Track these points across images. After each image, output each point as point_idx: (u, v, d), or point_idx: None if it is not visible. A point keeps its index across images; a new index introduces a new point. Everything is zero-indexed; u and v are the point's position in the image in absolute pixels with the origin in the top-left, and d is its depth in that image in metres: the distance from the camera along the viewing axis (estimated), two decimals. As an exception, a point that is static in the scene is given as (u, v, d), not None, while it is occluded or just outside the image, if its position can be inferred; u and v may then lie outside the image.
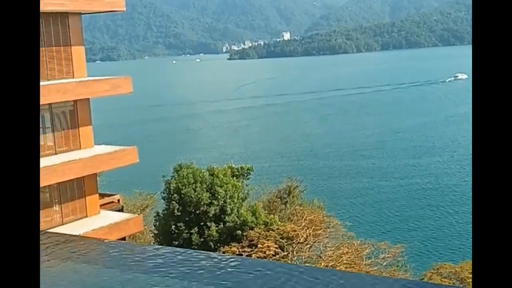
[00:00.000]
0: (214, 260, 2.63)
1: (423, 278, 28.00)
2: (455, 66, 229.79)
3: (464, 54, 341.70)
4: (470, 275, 24.34)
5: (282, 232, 30.81)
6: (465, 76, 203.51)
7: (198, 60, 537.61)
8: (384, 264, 29.88)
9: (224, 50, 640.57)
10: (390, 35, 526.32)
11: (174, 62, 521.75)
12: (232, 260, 2.68)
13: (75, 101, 28.71)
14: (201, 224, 33.39)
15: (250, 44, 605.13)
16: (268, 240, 29.89)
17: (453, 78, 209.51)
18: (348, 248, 30.75)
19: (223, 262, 2.59)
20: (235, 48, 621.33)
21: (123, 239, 28.43)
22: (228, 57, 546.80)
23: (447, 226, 60.03)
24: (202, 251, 2.75)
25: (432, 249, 53.45)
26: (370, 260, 30.08)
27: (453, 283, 26.20)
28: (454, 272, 28.54)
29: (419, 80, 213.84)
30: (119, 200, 34.04)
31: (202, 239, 32.99)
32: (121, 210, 33.01)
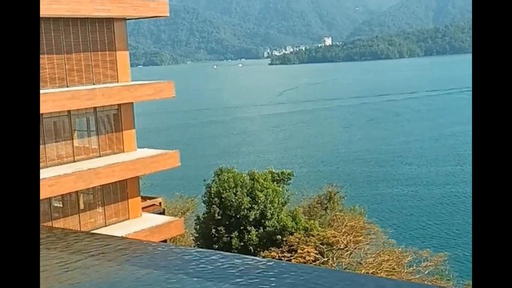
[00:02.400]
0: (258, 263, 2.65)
1: (467, 287, 27.47)
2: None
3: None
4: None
5: (322, 238, 30.65)
6: None
7: (240, 65, 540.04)
8: (426, 272, 29.41)
9: (265, 55, 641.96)
10: (434, 41, 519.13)
11: (215, 67, 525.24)
12: (267, 263, 2.69)
13: (119, 105, 29.19)
14: (241, 228, 33.47)
15: (292, 49, 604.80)
16: (308, 245, 29.77)
17: None
18: (388, 255, 30.37)
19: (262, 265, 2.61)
20: (277, 53, 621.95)
21: (164, 241, 28.71)
22: (270, 62, 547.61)
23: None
24: (246, 255, 2.77)
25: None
26: (411, 268, 29.65)
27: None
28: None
29: (467, 86, 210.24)
30: (160, 203, 34.42)
31: (242, 243, 33.06)
32: (162, 213, 33.36)
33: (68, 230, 3.76)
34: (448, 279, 30.52)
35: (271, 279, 2.48)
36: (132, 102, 29.93)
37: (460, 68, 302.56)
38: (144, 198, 32.71)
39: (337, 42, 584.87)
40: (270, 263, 2.70)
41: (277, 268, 2.60)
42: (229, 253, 2.86)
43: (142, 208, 31.21)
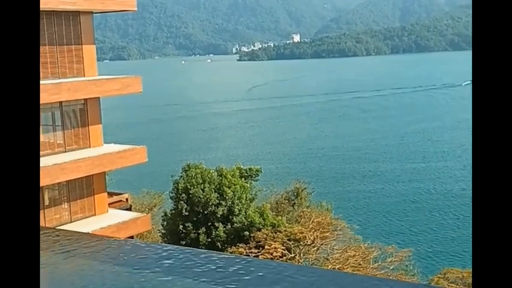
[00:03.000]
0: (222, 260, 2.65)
1: (430, 283, 27.90)
2: (470, 70, 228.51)
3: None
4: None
5: (289, 234, 30.80)
6: None
7: (209, 61, 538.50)
8: (391, 268, 29.80)
9: (234, 51, 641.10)
10: (400, 39, 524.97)
11: (183, 62, 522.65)
12: (238, 260, 2.70)
13: (85, 100, 28.84)
14: (209, 224, 33.44)
15: (260, 46, 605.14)
16: (275, 241, 29.90)
17: (469, 82, 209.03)
18: (355, 250, 30.69)
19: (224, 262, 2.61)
20: (245, 49, 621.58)
21: (131, 237, 28.52)
22: (238, 58, 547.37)
23: (454, 230, 59.80)
24: (211, 251, 2.77)
25: (439, 253, 53.26)
26: (377, 264, 30.01)
27: (460, 288, 26.14)
28: (461, 277, 28.44)
29: (435, 84, 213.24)
30: (127, 199, 34.14)
31: (209, 239, 33.03)
32: (129, 209, 33.10)
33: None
34: (413, 275, 30.96)
35: (241, 274, 2.48)
36: (99, 97, 29.60)
37: (426, 67, 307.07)
38: (110, 194, 32.41)
39: (306, 39, 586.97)
40: (238, 260, 2.70)
41: (246, 265, 2.60)
42: (198, 249, 2.85)
43: (109, 204, 30.92)
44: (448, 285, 26.43)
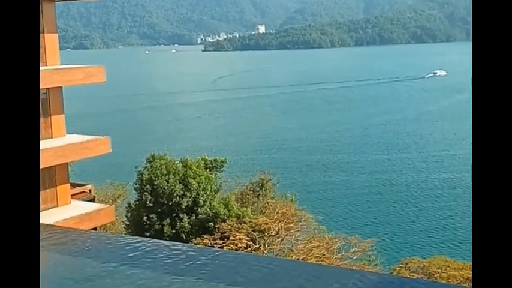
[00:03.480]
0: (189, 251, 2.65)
1: (392, 272, 28.37)
2: (433, 63, 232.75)
3: (439, 52, 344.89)
4: (438, 270, 24.73)
5: (254, 225, 30.92)
6: (444, 73, 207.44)
7: (173, 51, 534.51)
8: (354, 258, 30.20)
9: (199, 41, 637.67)
10: (364, 31, 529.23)
11: (147, 52, 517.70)
12: (197, 250, 2.71)
13: (47, 89, 28.35)
14: (174, 215, 33.33)
15: (225, 36, 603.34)
16: (240, 232, 29.98)
17: (432, 75, 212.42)
18: (319, 241, 30.98)
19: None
20: (210, 40, 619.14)
21: (94, 229, 28.23)
22: (203, 48, 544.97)
23: (415, 221, 60.85)
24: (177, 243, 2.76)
25: (401, 243, 54.13)
26: (340, 254, 30.36)
27: (421, 277, 26.59)
28: (422, 266, 28.98)
29: (398, 76, 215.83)
30: (90, 190, 33.78)
31: (174, 231, 32.94)
32: (92, 200, 32.76)
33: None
34: (375, 265, 31.42)
35: (202, 265, 2.49)
36: (61, 87, 29.13)
37: (389, 59, 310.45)
38: (73, 185, 32.01)
39: (271, 30, 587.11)
40: (201, 250, 2.70)
41: (208, 255, 2.61)
42: (161, 240, 2.85)
43: (72, 195, 30.54)
44: (410, 275, 26.87)
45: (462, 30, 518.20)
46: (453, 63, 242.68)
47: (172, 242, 2.80)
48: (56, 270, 2.58)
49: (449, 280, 24.95)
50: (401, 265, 30.59)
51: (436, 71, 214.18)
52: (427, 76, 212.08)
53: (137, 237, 2.90)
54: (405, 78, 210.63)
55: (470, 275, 22.05)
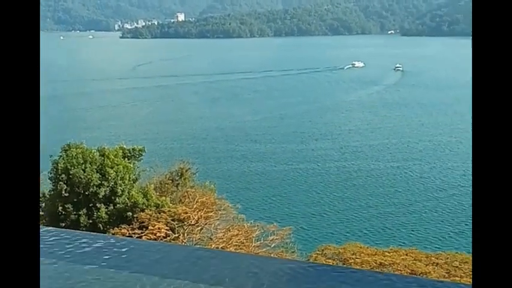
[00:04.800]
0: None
1: (309, 259, 29.04)
2: (350, 55, 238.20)
3: (355, 44, 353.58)
4: (353, 256, 25.53)
5: (173, 214, 30.78)
6: (362, 64, 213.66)
7: (90, 37, 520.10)
8: (273, 245, 30.67)
9: (116, 28, 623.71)
10: (283, 22, 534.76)
11: (61, 37, 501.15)
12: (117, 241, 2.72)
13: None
14: (90, 205, 32.65)
15: (144, 23, 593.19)
16: (159, 222, 29.79)
17: (351, 66, 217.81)
18: (238, 230, 31.23)
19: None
20: (128, 26, 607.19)
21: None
22: (121, 35, 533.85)
23: (330, 209, 62.46)
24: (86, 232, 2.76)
25: (317, 231, 55.44)
26: (259, 242, 30.75)
27: (336, 263, 27.39)
28: (338, 253, 29.77)
29: (319, 67, 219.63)
30: (2, 180, 32.54)
31: (91, 221, 32.28)
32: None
33: None
34: (293, 252, 32.05)
35: (123, 256, 2.51)
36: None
37: (308, 50, 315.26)
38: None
39: (190, 19, 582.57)
40: (121, 241, 2.72)
41: (129, 245, 2.63)
42: (78, 231, 2.85)
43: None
44: (326, 261, 27.61)
45: (377, 24, 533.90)
46: (370, 55, 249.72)
47: (88, 233, 2.78)
48: None
49: (363, 266, 25.83)
50: (318, 252, 31.32)
51: (354, 62, 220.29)
52: (345, 67, 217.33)
53: (52, 228, 2.86)
54: (325, 69, 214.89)
55: (383, 260, 22.90)
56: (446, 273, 25.58)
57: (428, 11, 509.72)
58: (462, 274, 25.42)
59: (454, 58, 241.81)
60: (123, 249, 2.54)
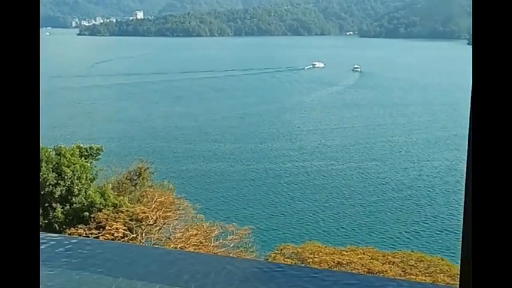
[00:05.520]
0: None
1: (268, 259, 29.18)
2: (310, 55, 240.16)
3: (315, 44, 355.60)
4: (311, 255, 25.77)
5: (131, 214, 30.52)
6: (322, 64, 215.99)
7: (47, 33, 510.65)
8: (232, 245, 30.70)
9: (74, 24, 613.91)
10: (243, 22, 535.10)
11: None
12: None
13: None
14: (46, 205, 32.10)
15: (102, 21, 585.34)
16: (117, 222, 29.49)
17: (311, 66, 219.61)
18: (197, 229, 31.16)
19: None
20: (86, 23, 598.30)
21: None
22: (78, 32, 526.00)
23: (288, 208, 62.85)
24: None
25: (276, 230, 55.71)
26: (218, 242, 30.75)
27: (295, 263, 27.59)
28: (296, 252, 29.99)
29: (280, 67, 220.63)
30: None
31: (46, 221, 31.74)
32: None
33: None
34: (252, 251, 32.15)
35: (74, 254, 2.50)
36: None
37: (269, 50, 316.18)
38: None
39: (149, 17, 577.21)
40: (74, 240, 2.71)
41: (81, 244, 2.62)
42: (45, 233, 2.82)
43: None
44: (285, 261, 27.79)
45: (335, 25, 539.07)
46: (329, 55, 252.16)
47: (46, 233, 2.76)
48: None
49: (321, 265, 26.09)
50: (276, 251, 31.49)
51: (314, 63, 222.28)
52: (306, 67, 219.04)
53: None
54: (286, 69, 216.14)
55: (340, 259, 23.13)
56: (402, 271, 26.04)
57: (386, 13, 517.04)
58: (418, 272, 25.92)
59: (410, 60, 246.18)
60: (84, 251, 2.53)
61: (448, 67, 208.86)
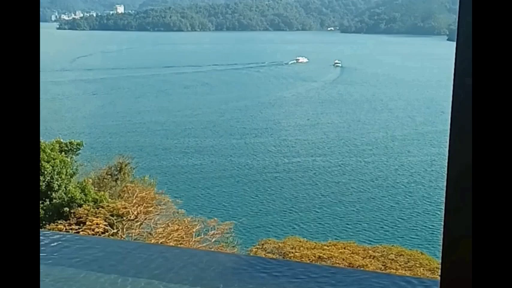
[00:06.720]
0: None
1: (249, 253, 29.23)
2: (293, 50, 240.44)
3: (296, 39, 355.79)
4: (292, 250, 25.92)
5: (112, 209, 30.39)
6: (305, 60, 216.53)
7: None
8: (213, 240, 30.72)
9: (53, 18, 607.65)
10: (224, 16, 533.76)
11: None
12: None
13: None
14: (26, 200, 31.83)
15: (82, 15, 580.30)
16: (97, 217, 29.36)
17: (295, 61, 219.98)
18: (178, 224, 31.13)
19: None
20: (66, 17, 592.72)
21: None
22: (58, 26, 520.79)
23: (269, 203, 63.01)
24: None
25: (257, 225, 55.83)
26: (199, 237, 30.75)
27: (277, 257, 27.70)
28: (278, 247, 30.11)
29: (264, 61, 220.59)
30: None
31: (26, 217, 31.49)
32: None
33: None
34: (233, 246, 32.20)
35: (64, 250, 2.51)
36: None
37: (251, 45, 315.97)
38: None
39: (130, 11, 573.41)
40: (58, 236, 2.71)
41: (69, 241, 2.63)
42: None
43: None
44: (266, 255, 27.87)
45: (317, 20, 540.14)
46: (312, 50, 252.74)
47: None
48: None
49: (302, 259, 26.21)
50: (258, 246, 31.57)
51: (298, 58, 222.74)
52: (290, 62, 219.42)
53: None
54: (270, 64, 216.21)
55: (321, 254, 23.27)
56: (383, 265, 26.27)
57: (367, 9, 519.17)
58: (398, 266, 26.16)
59: (391, 56, 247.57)
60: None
61: (428, 63, 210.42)
